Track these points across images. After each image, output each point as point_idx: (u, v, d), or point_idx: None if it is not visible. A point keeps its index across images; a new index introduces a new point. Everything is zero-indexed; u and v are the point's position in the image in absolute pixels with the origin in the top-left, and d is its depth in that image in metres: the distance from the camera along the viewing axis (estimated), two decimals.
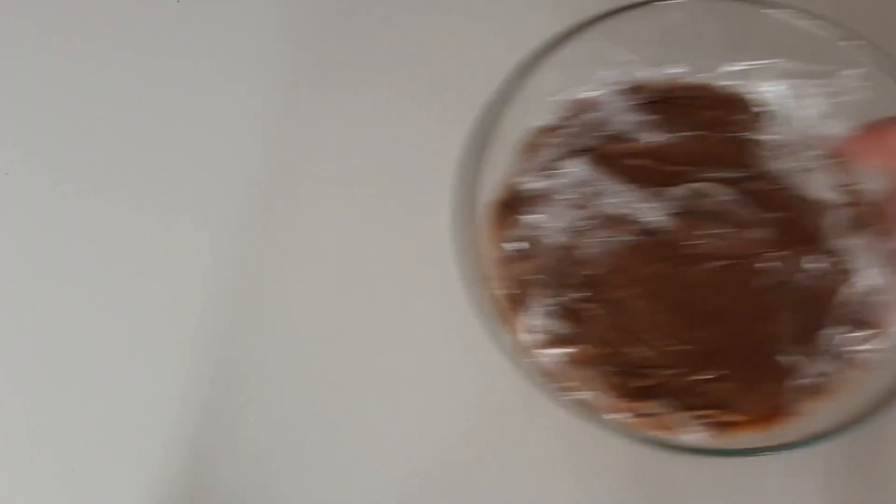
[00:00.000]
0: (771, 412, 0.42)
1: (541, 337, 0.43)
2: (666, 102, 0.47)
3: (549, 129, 0.47)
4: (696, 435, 0.41)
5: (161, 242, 0.52)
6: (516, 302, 0.44)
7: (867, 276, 0.42)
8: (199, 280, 0.50)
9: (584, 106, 0.47)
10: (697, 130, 0.46)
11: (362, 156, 0.53)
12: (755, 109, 0.46)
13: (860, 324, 0.42)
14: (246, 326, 0.49)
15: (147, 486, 0.47)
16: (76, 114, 0.56)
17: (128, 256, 0.52)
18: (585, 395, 0.42)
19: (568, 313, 0.44)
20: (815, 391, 0.42)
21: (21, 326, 0.51)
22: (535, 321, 0.43)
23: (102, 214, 0.53)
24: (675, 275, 0.44)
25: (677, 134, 0.46)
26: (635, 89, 0.47)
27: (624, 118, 0.46)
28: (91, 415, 0.48)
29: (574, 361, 0.43)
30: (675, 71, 0.47)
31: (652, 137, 0.46)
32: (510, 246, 0.45)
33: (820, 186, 0.44)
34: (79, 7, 0.59)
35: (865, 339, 0.42)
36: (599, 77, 0.46)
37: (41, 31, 0.58)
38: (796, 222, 0.45)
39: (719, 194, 0.45)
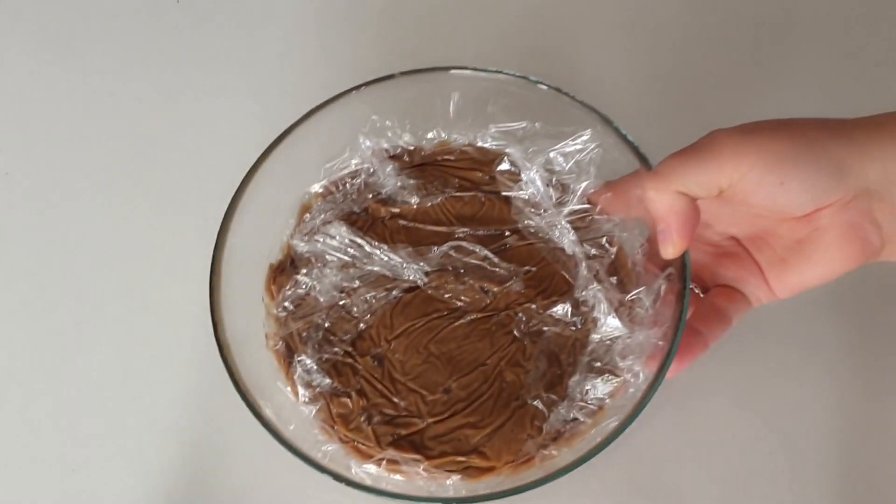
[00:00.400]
0: (519, 456, 0.44)
1: (307, 392, 0.46)
2: (430, 166, 0.50)
3: (323, 194, 0.50)
4: (450, 481, 0.44)
5: (161, 243, 0.53)
6: (286, 359, 0.46)
7: (609, 326, 0.45)
8: (201, 280, 0.49)
9: (354, 171, 0.50)
10: (459, 191, 0.49)
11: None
12: (511, 169, 0.49)
13: (601, 371, 0.45)
14: None
15: (147, 487, 0.47)
16: (76, 115, 0.58)
17: (128, 257, 0.53)
18: (342, 447, 0.44)
19: (333, 368, 0.46)
20: (561, 436, 0.44)
21: (20, 327, 0.51)
22: (303, 376, 0.46)
23: (102, 215, 0.54)
24: (434, 328, 0.47)
25: (440, 195, 0.49)
26: (402, 155, 0.50)
27: (391, 182, 0.49)
28: (91, 415, 0.49)
29: (335, 415, 0.45)
30: (439, 136, 0.50)
31: (417, 200, 0.49)
32: (285, 304, 0.47)
33: (569, 240, 0.47)
34: (79, 8, 0.61)
35: (605, 386, 0.44)
36: (368, 144, 0.49)
37: (41, 32, 0.61)
38: (548, 275, 0.48)
39: (477, 251, 0.47)
